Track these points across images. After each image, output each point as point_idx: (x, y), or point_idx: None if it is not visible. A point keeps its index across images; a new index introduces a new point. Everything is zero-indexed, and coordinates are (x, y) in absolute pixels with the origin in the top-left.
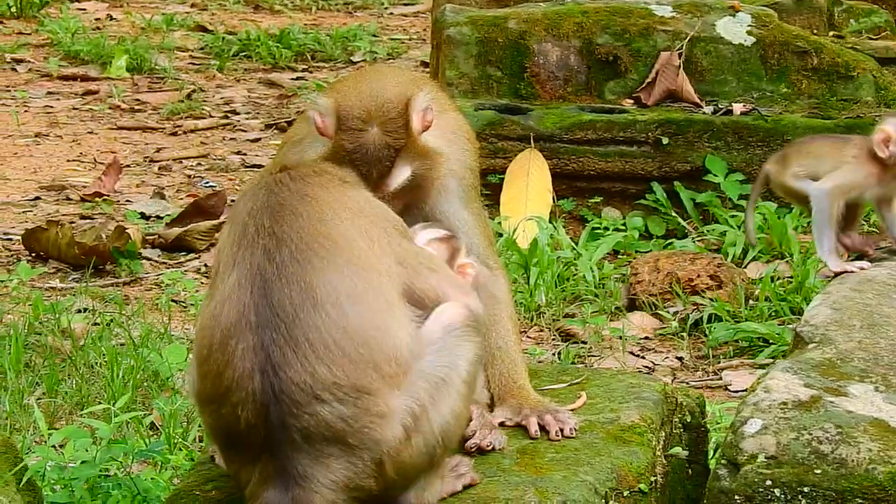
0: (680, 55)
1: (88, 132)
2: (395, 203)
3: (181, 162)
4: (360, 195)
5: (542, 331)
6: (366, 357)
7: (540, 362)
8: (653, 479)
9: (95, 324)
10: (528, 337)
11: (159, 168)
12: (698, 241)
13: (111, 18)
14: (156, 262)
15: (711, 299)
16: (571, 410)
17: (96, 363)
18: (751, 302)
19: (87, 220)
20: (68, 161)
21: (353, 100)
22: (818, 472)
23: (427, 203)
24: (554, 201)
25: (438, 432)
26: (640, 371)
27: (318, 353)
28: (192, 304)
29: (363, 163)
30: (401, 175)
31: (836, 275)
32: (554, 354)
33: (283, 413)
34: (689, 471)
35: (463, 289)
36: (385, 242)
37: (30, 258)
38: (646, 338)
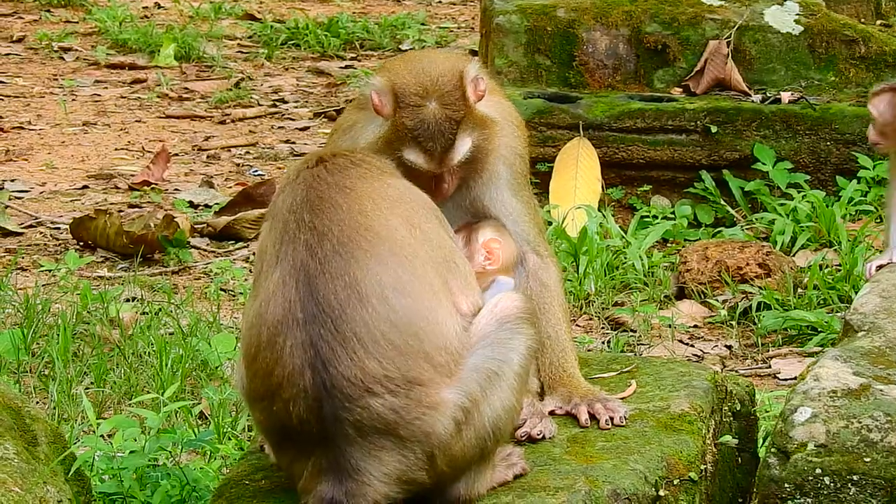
0: (728, 44)
1: (136, 121)
2: (453, 179)
3: (229, 150)
4: (400, 183)
5: (591, 319)
6: (416, 348)
7: (589, 351)
8: (703, 467)
9: (144, 313)
10: (577, 325)
11: (208, 157)
12: (747, 229)
13: (159, 7)
14: (204, 250)
15: (760, 287)
16: (621, 399)
17: (145, 352)
18: (799, 290)
19: (136, 209)
20: (116, 150)
21: (407, 78)
22: (867, 460)
23: (477, 188)
24: (603, 190)
25: (490, 425)
26: (689, 359)
27: (366, 347)
28: (240, 293)
29: (426, 138)
30: (463, 146)
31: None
32: (603, 343)
33: (335, 407)
34: (739, 459)
35: (468, 290)
36: (427, 228)
37: (78, 247)
38: (695, 326)
